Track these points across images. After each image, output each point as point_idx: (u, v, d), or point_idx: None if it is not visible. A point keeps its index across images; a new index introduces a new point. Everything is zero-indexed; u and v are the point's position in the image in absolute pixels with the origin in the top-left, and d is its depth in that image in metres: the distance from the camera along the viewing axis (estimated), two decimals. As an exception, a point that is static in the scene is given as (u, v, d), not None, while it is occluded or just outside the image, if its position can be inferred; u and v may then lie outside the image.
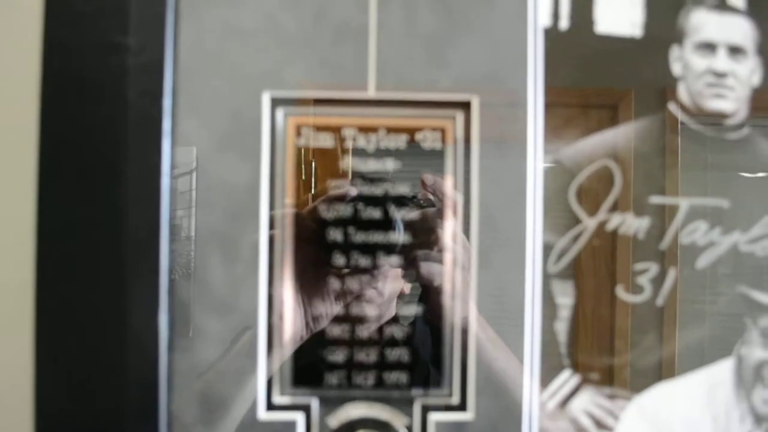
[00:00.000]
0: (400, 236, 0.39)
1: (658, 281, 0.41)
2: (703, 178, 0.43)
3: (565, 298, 0.41)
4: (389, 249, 0.39)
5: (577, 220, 0.41)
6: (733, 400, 0.42)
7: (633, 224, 0.41)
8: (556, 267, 0.41)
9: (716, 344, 0.42)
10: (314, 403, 0.39)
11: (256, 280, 0.39)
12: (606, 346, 0.41)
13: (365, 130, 0.40)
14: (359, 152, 0.40)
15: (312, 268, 0.39)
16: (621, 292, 0.41)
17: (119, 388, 0.38)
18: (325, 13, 0.40)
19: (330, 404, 0.40)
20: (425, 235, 0.40)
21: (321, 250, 0.39)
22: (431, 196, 0.40)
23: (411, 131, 0.40)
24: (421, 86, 0.40)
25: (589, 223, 0.41)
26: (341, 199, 0.39)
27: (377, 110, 0.40)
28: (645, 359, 0.42)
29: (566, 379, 0.41)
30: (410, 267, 0.40)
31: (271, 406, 0.39)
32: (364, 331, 0.40)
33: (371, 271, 0.39)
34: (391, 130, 0.40)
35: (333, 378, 0.39)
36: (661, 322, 0.42)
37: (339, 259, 0.39)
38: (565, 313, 0.41)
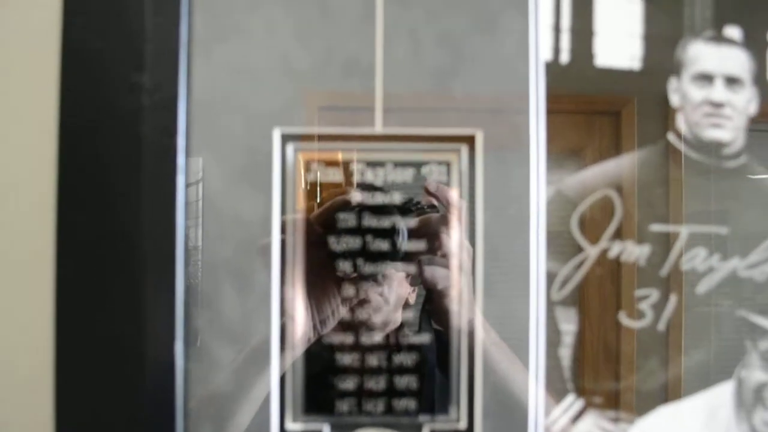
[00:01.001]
0: (403, 241, 0.40)
1: (660, 307, 0.43)
2: (702, 205, 0.44)
3: (569, 324, 0.42)
4: (394, 253, 0.40)
5: (579, 249, 0.42)
6: (734, 422, 0.43)
7: (634, 252, 0.42)
8: (560, 294, 0.42)
9: (717, 367, 0.43)
10: (326, 429, 0.41)
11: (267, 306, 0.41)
12: (609, 370, 0.42)
13: (373, 164, 0.41)
14: (366, 186, 0.41)
15: (318, 271, 0.41)
16: (623, 318, 0.42)
17: (135, 388, 0.39)
18: (333, 50, 0.42)
19: (341, 430, 0.41)
20: (429, 240, 0.41)
21: (327, 254, 0.40)
22: (435, 202, 0.41)
23: (417, 166, 0.41)
24: (427, 121, 0.41)
25: (592, 252, 0.42)
26: (346, 204, 0.41)
27: (384, 145, 0.41)
28: (647, 383, 0.43)
29: (571, 403, 0.42)
30: (414, 271, 0.41)
31: (284, 432, 0.41)
32: (370, 339, 0.41)
33: (376, 274, 0.41)
34: (398, 164, 0.41)
35: (344, 405, 0.41)
36: (663, 346, 0.43)
37: (344, 263, 0.40)
38: (568, 339, 0.42)
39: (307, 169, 0.41)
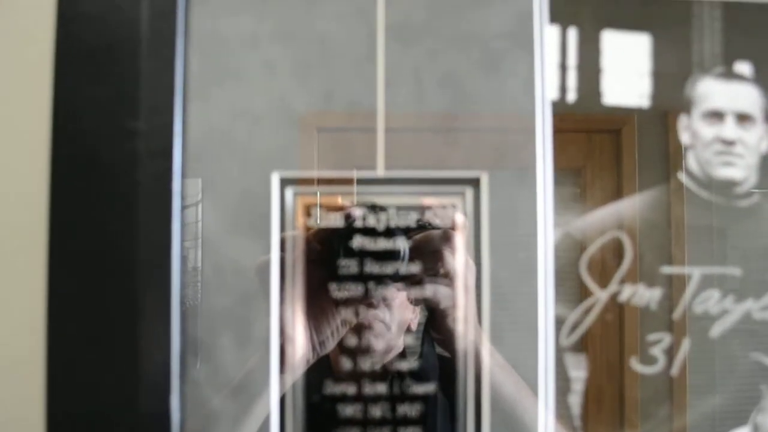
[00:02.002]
0: (405, 260, 0.39)
1: (672, 351, 0.41)
2: (715, 246, 0.43)
3: (578, 371, 0.41)
4: (395, 273, 0.39)
5: (588, 293, 0.41)
6: (750, 469, 0.42)
7: (645, 295, 0.41)
8: (569, 340, 0.41)
9: (732, 413, 0.42)
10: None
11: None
12: (621, 418, 0.41)
13: (375, 208, 0.40)
14: (369, 231, 0.40)
15: (317, 291, 0.40)
16: (635, 364, 0.41)
17: (132, 411, 0.38)
18: (333, 92, 0.41)
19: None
20: (430, 257, 0.40)
21: (325, 272, 0.39)
22: (435, 219, 0.40)
23: (421, 209, 0.40)
24: (431, 164, 0.40)
25: (601, 296, 0.41)
26: (346, 219, 0.39)
27: (386, 188, 0.40)
28: (661, 430, 0.41)
29: (581, 452, 0.41)
30: (416, 290, 0.40)
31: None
32: (372, 365, 0.40)
33: (376, 294, 0.39)
34: (401, 208, 0.40)
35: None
36: (676, 391, 0.41)
37: (344, 282, 0.39)
38: (578, 386, 0.41)
39: (307, 213, 0.40)
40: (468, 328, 0.40)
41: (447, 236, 0.40)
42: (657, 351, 0.41)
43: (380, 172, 0.40)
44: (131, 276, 0.38)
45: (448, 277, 0.40)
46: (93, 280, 0.38)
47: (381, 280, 0.39)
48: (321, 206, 0.40)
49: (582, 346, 0.41)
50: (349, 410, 0.40)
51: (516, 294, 0.40)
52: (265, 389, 0.39)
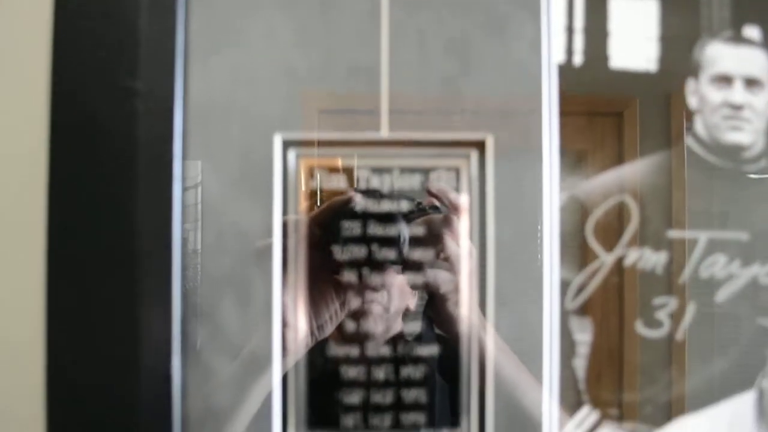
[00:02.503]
0: (405, 244, 0.39)
1: (678, 315, 0.41)
2: (722, 211, 0.42)
3: (584, 334, 0.41)
4: (395, 257, 0.39)
5: (594, 256, 0.41)
6: (755, 434, 0.41)
7: (651, 259, 0.41)
8: (574, 303, 0.40)
9: (738, 377, 0.42)
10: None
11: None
12: (625, 381, 0.41)
13: (379, 170, 0.39)
14: (369, 216, 0.39)
15: (316, 275, 0.39)
16: (640, 327, 0.41)
17: (132, 397, 0.38)
18: (336, 53, 0.40)
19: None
20: (431, 242, 0.39)
21: (325, 256, 0.39)
22: (437, 203, 0.40)
23: (425, 171, 0.39)
24: (436, 126, 0.40)
25: (607, 259, 0.41)
26: (346, 205, 0.39)
27: (391, 151, 0.39)
28: (665, 394, 0.41)
29: (585, 415, 0.41)
30: (416, 275, 0.40)
31: (288, 449, 0.39)
32: (370, 350, 0.39)
33: (376, 278, 0.39)
34: (405, 170, 0.39)
35: (349, 420, 0.39)
36: (681, 356, 0.41)
37: (343, 266, 0.39)
38: (583, 349, 0.41)
39: (310, 175, 0.39)
40: (469, 313, 0.40)
41: (448, 220, 0.40)
42: (662, 315, 0.41)
43: (384, 133, 0.40)
44: (132, 233, 0.38)
45: (448, 261, 0.40)
46: (92, 241, 0.38)
47: (381, 265, 0.39)
48: (323, 168, 0.39)
49: (587, 309, 0.41)
50: (352, 372, 0.40)
51: (521, 257, 0.40)
52: (263, 373, 0.39)
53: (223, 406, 0.41)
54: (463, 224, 0.40)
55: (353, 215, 0.39)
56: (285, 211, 0.39)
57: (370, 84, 0.40)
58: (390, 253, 0.39)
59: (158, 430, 0.38)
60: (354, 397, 0.39)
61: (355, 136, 0.39)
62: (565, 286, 0.40)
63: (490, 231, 0.40)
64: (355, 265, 0.39)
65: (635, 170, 0.41)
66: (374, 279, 0.39)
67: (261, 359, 0.39)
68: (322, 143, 0.39)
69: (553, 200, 0.40)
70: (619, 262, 0.41)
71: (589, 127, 0.43)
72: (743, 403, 0.42)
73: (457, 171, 0.39)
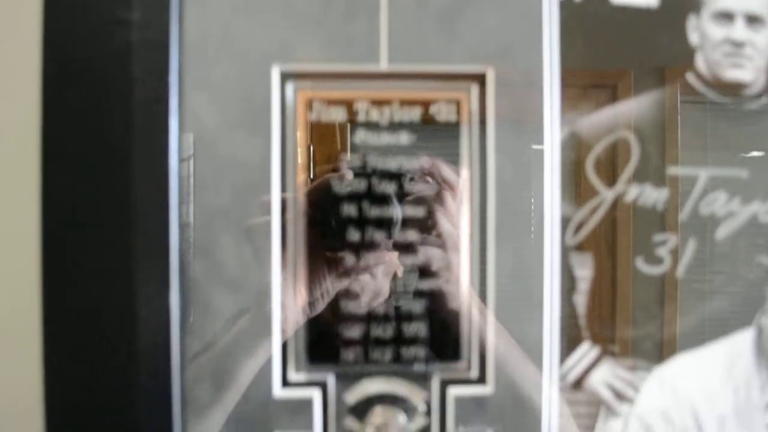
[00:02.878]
0: (398, 222, 0.39)
1: (678, 252, 0.41)
2: (722, 148, 0.42)
3: (584, 270, 0.41)
4: (387, 234, 0.39)
5: (594, 193, 0.40)
6: (754, 370, 0.41)
7: (651, 195, 0.41)
8: (575, 239, 0.40)
9: (737, 314, 0.42)
10: (330, 380, 0.39)
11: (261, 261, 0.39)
12: (625, 318, 0.41)
13: (378, 103, 0.39)
14: (372, 126, 0.39)
15: (307, 252, 0.39)
16: (640, 264, 0.41)
17: (131, 370, 0.37)
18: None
19: (347, 381, 0.39)
20: (424, 219, 0.39)
21: (316, 234, 0.39)
22: (429, 179, 0.40)
23: (425, 104, 0.39)
24: (435, 58, 0.39)
25: (607, 195, 0.40)
26: (338, 183, 0.39)
27: (390, 83, 0.39)
28: (665, 331, 0.41)
29: (586, 351, 0.40)
30: (408, 251, 0.39)
31: (286, 383, 0.39)
32: (355, 310, 0.39)
33: (369, 257, 0.39)
34: (405, 102, 0.39)
35: (349, 354, 0.39)
36: (681, 293, 0.41)
37: (335, 244, 0.39)
38: (583, 285, 0.41)
39: (308, 108, 0.39)
40: (460, 290, 0.39)
41: (441, 197, 0.39)
42: (662, 252, 0.41)
43: (383, 65, 0.39)
44: (126, 171, 0.37)
45: (441, 239, 0.39)
46: (87, 173, 0.37)
47: (373, 244, 0.39)
48: (322, 101, 0.39)
49: (587, 245, 0.40)
50: (352, 306, 0.39)
51: (521, 193, 0.40)
52: (253, 353, 0.39)
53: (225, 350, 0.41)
54: (457, 201, 0.39)
55: (345, 193, 0.39)
56: (284, 143, 0.38)
57: (369, 16, 0.39)
58: (382, 233, 0.39)
59: (157, 367, 0.38)
60: (354, 332, 0.39)
61: (354, 68, 0.39)
62: (565, 222, 0.40)
63: (491, 166, 0.39)
64: (348, 243, 0.39)
65: (635, 107, 0.41)
66: (367, 259, 0.39)
67: (248, 341, 0.39)
68: (320, 75, 0.39)
69: (553, 136, 0.40)
70: (620, 198, 0.41)
71: (582, 100, 0.42)
72: (742, 341, 0.42)
73: (458, 103, 0.39)
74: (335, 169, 0.39)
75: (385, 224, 0.39)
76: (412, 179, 0.39)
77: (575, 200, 0.40)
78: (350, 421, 0.39)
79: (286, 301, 0.39)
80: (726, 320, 0.42)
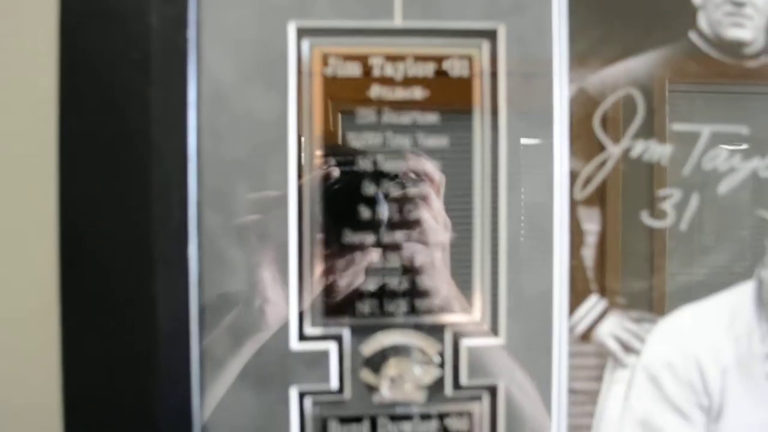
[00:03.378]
0: (384, 216, 0.39)
1: (682, 206, 0.42)
2: (724, 105, 0.43)
3: (592, 224, 0.42)
4: (374, 229, 0.40)
5: (602, 148, 0.41)
6: (755, 321, 0.43)
7: (656, 151, 0.42)
8: (583, 194, 0.41)
9: (738, 267, 0.43)
10: (346, 333, 0.40)
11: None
12: (631, 270, 0.42)
13: (392, 58, 0.39)
14: (387, 81, 0.39)
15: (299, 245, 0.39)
16: (645, 218, 0.42)
17: (150, 321, 0.38)
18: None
19: (362, 333, 0.40)
20: (408, 215, 0.40)
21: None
22: (413, 176, 0.40)
23: (438, 60, 0.40)
24: (448, 15, 0.40)
25: (614, 151, 0.41)
26: (325, 180, 0.40)
27: (404, 40, 0.40)
28: (669, 283, 0.42)
29: (593, 304, 0.41)
30: (392, 247, 0.40)
31: (303, 337, 0.39)
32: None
33: (355, 250, 0.40)
34: (419, 58, 0.40)
35: (364, 307, 0.40)
36: (685, 246, 0.42)
37: (324, 239, 0.39)
38: (591, 239, 0.42)
39: (324, 64, 0.39)
40: (442, 285, 0.40)
41: (425, 194, 0.40)
42: (667, 206, 0.42)
43: (398, 21, 0.40)
44: (145, 121, 0.37)
45: (424, 236, 0.40)
46: (106, 122, 0.37)
47: (361, 247, 0.39)
48: (337, 57, 0.39)
49: (595, 200, 0.41)
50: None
51: (532, 148, 0.41)
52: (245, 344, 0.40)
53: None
54: (440, 197, 0.40)
55: (332, 191, 0.40)
56: (299, 98, 0.39)
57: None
58: (369, 232, 0.39)
59: (175, 318, 0.38)
60: (369, 284, 0.40)
61: (369, 24, 0.39)
62: (573, 176, 0.41)
63: (503, 122, 0.40)
64: (337, 246, 0.39)
65: (642, 64, 0.42)
66: (353, 258, 0.40)
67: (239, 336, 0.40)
68: (336, 31, 0.39)
69: (562, 91, 0.41)
70: (626, 153, 0.42)
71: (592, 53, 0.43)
72: (743, 293, 0.43)
73: (470, 59, 0.40)
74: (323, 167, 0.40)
75: (373, 222, 0.39)
76: (396, 176, 0.40)
77: (584, 155, 0.41)
78: (366, 374, 0.40)
79: (274, 298, 0.39)
80: (727, 273, 0.43)
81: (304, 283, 0.39)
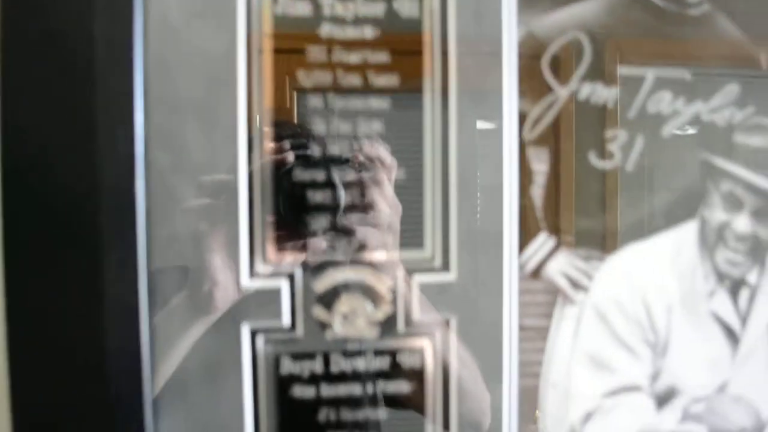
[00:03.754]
0: (341, 196, 0.40)
1: (628, 148, 0.43)
2: (668, 50, 0.45)
3: (541, 164, 0.42)
4: (331, 211, 0.40)
5: (550, 89, 0.42)
6: (698, 260, 0.44)
7: (603, 94, 0.43)
8: (532, 134, 0.42)
9: (681, 207, 0.44)
10: (298, 271, 0.40)
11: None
12: (579, 210, 0.43)
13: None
14: (337, 20, 0.40)
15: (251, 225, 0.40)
16: (593, 158, 0.43)
17: (97, 257, 0.37)
18: None
19: (314, 271, 0.40)
20: (360, 199, 0.40)
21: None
22: (363, 159, 0.41)
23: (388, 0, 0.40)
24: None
25: (562, 93, 0.42)
26: (281, 165, 0.40)
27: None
28: (616, 222, 0.43)
29: (542, 242, 0.42)
30: (346, 231, 0.40)
31: (254, 274, 0.39)
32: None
33: (312, 242, 0.40)
34: (369, -2, 0.40)
35: (316, 244, 0.40)
36: (631, 186, 0.43)
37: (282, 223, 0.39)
38: (540, 179, 0.42)
39: (274, 1, 0.39)
40: (392, 267, 0.41)
41: (377, 178, 0.40)
42: (613, 147, 0.43)
43: (348, -40, 0.40)
44: (90, 50, 0.37)
45: (377, 219, 0.41)
46: (49, 51, 0.36)
47: (318, 232, 0.40)
48: (288, -4, 0.39)
49: (544, 140, 0.42)
50: (318, 196, 0.40)
51: (482, 85, 0.41)
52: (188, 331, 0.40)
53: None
54: (391, 181, 0.41)
55: (289, 177, 0.40)
56: (249, 36, 0.39)
57: None
58: (326, 216, 0.40)
59: (123, 252, 0.37)
60: (320, 222, 0.40)
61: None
62: (522, 117, 0.42)
63: (452, 60, 0.41)
64: (291, 227, 0.39)
65: (589, 9, 0.43)
66: (310, 243, 0.40)
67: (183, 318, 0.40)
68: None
69: (511, 34, 0.41)
70: (573, 96, 0.43)
71: None
72: (687, 231, 0.44)
73: (420, 0, 0.40)
74: (278, 151, 0.40)
75: (329, 207, 0.40)
76: (347, 160, 0.40)
77: (532, 97, 0.42)
78: (318, 310, 0.40)
79: (223, 280, 0.40)
80: (671, 212, 0.44)
81: (255, 221, 0.39)
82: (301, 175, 0.40)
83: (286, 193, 0.39)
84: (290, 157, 0.39)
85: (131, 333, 0.37)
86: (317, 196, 0.40)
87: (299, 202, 0.39)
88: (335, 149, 0.40)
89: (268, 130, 0.39)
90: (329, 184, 0.40)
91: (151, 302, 0.38)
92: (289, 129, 0.40)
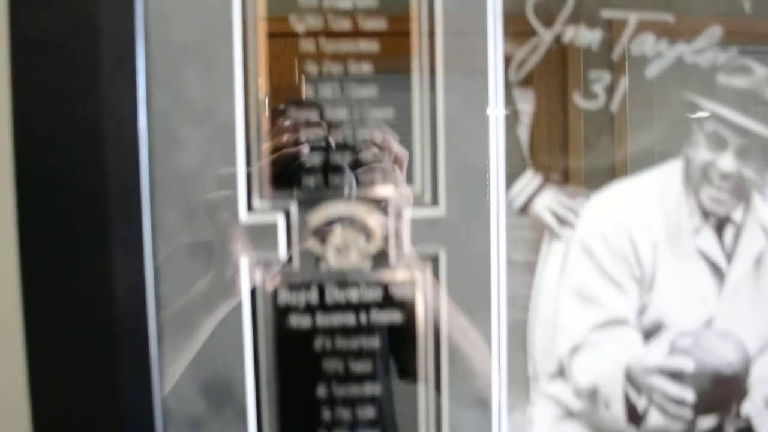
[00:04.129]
0: (352, 189, 0.42)
1: (611, 89, 0.45)
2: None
3: (526, 104, 0.44)
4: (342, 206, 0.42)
5: (534, 32, 0.44)
6: (683, 197, 0.45)
7: (586, 36, 0.44)
8: (517, 75, 0.44)
9: (666, 146, 0.46)
10: (293, 206, 0.42)
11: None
12: (565, 148, 0.44)
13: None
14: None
15: None
16: (578, 99, 0.44)
17: (101, 198, 0.39)
18: None
19: (309, 206, 0.42)
20: (372, 186, 0.42)
21: None
22: (376, 150, 0.43)
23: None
24: None
25: (546, 36, 0.44)
26: (295, 157, 0.42)
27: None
28: (601, 160, 0.45)
29: (529, 179, 0.44)
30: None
31: (251, 209, 0.41)
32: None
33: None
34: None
35: (311, 180, 0.42)
36: (615, 126, 0.45)
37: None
38: (526, 118, 0.44)
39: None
40: (402, 255, 0.42)
41: (388, 171, 0.42)
42: (598, 88, 0.44)
43: None
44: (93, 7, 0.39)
45: (385, 207, 0.42)
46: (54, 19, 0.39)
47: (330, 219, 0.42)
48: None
49: (529, 81, 0.44)
50: (311, 133, 0.42)
51: (466, 30, 0.43)
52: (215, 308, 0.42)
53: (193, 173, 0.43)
54: (403, 172, 0.43)
55: (303, 167, 0.42)
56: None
57: None
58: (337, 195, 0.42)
59: (126, 196, 0.40)
60: (315, 159, 0.42)
61: None
62: (508, 59, 0.43)
63: (438, 9, 0.42)
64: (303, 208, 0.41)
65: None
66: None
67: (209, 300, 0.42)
68: None
69: (496, -22, 0.43)
70: (558, 38, 0.44)
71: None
72: (671, 170, 0.46)
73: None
74: (295, 143, 0.42)
75: (340, 197, 0.42)
76: (359, 150, 0.42)
77: (518, 40, 0.44)
78: (312, 243, 0.42)
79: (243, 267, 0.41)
80: (658, 152, 0.46)
81: (252, 158, 0.41)
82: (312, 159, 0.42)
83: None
84: (305, 150, 0.42)
85: (138, 273, 0.40)
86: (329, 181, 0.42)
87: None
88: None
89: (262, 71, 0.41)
90: (337, 169, 0.42)
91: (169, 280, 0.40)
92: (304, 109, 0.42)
